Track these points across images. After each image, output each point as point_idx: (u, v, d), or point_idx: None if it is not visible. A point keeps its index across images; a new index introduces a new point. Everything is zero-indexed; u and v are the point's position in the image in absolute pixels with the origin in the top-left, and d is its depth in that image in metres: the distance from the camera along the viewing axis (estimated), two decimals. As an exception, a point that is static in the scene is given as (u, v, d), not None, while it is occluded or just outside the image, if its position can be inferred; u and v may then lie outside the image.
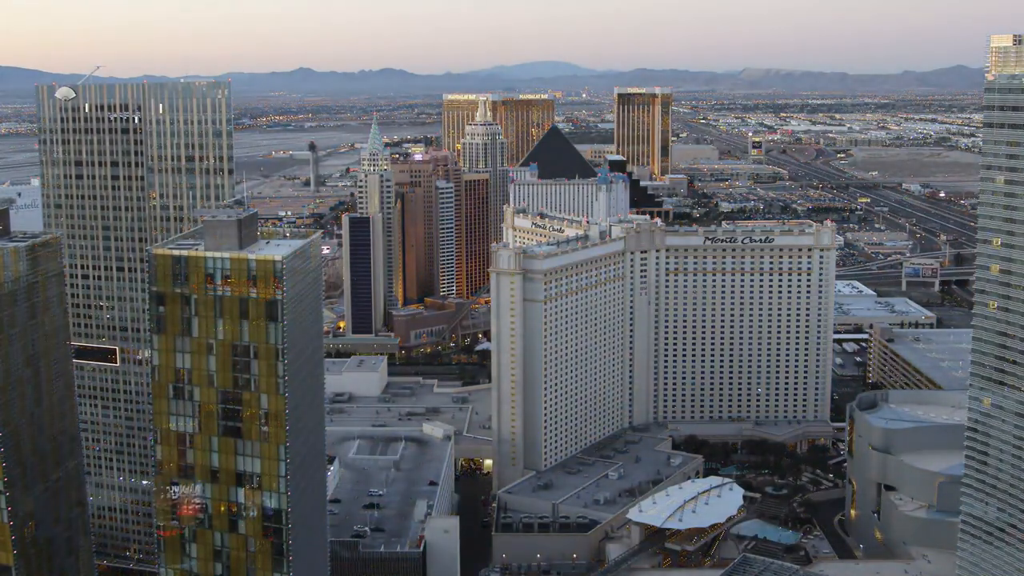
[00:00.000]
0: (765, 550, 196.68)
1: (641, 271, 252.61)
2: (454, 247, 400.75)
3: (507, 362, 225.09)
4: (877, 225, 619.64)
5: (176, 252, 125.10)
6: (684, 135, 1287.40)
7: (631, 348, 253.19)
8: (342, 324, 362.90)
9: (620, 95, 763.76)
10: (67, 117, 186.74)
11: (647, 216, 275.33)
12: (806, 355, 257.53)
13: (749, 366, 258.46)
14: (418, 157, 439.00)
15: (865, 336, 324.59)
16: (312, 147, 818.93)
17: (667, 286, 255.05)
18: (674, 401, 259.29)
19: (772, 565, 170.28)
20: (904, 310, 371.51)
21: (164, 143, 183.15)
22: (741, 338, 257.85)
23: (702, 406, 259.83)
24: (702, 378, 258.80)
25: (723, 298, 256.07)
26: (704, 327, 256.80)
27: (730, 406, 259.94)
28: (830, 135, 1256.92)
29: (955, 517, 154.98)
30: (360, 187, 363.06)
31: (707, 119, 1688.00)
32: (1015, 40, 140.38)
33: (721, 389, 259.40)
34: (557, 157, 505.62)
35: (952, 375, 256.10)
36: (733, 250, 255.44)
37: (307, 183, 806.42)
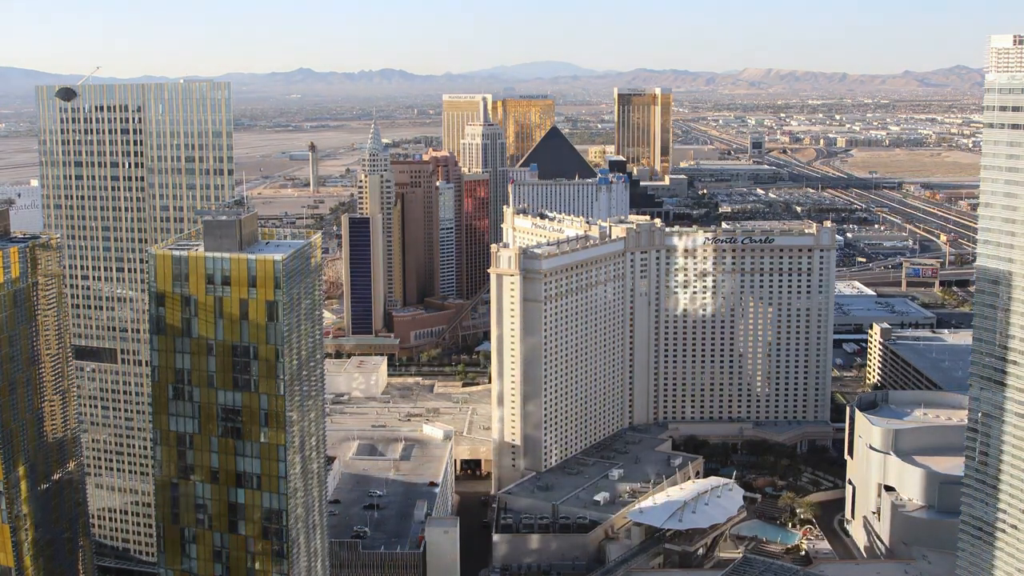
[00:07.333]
0: (765, 550, 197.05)
1: (641, 271, 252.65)
2: (454, 247, 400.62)
3: (507, 362, 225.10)
4: (877, 225, 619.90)
5: (176, 253, 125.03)
6: (684, 135, 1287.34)
7: (631, 348, 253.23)
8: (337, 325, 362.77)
9: (620, 95, 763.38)
10: (67, 118, 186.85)
11: (647, 216, 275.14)
12: (806, 355, 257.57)
13: (749, 366, 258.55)
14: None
15: (865, 336, 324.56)
16: (312, 148, 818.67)
17: (667, 286, 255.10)
18: (674, 401, 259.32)
19: (772, 565, 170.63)
20: (904, 310, 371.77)
21: (164, 143, 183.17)
22: (741, 338, 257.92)
23: (702, 406, 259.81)
24: (702, 378, 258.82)
25: (723, 298, 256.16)
26: (704, 327, 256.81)
27: (730, 406, 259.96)
28: (830, 135, 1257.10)
29: (955, 517, 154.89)
30: (360, 187, 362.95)
31: (707, 119, 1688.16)
32: (1015, 40, 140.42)
33: (721, 389, 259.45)
34: (557, 157, 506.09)
35: (952, 375, 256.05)
36: (733, 250, 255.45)
37: (307, 184, 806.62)
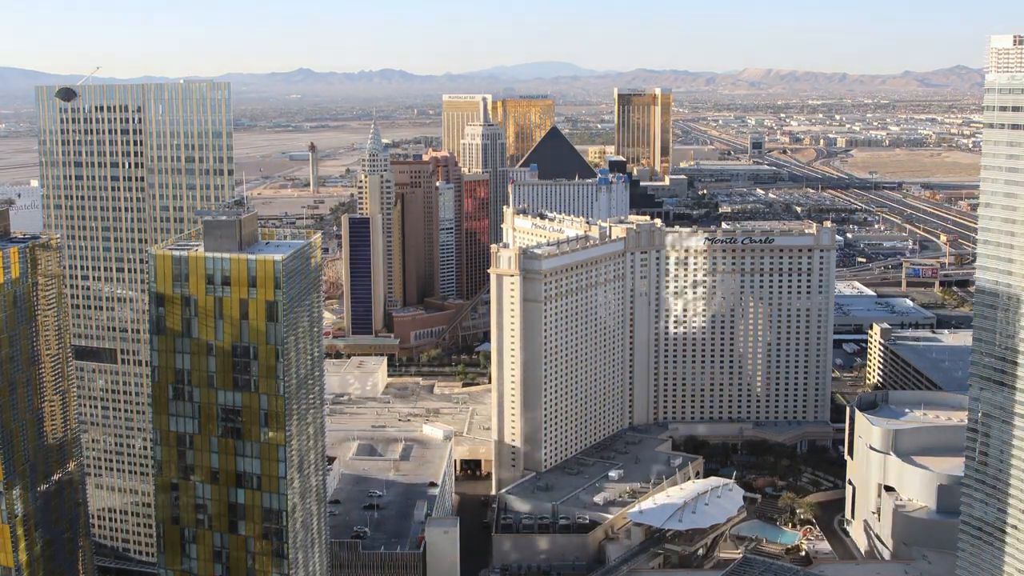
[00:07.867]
0: (765, 550, 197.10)
1: (641, 271, 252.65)
2: (454, 247, 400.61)
3: (507, 363, 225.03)
4: (877, 225, 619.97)
5: (176, 253, 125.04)
6: (684, 135, 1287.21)
7: (631, 348, 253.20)
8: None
9: (620, 95, 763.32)
10: (67, 118, 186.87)
11: (647, 216, 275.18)
12: (806, 355, 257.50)
13: (749, 366, 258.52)
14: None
15: (865, 336, 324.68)
16: (312, 148, 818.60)
17: (667, 286, 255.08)
18: (674, 401, 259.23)
19: (772, 565, 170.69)
20: (904, 310, 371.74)
21: (164, 144, 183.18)
22: (741, 338, 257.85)
23: (702, 406, 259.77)
24: (702, 378, 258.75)
25: (723, 298, 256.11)
26: (704, 327, 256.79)
27: (730, 407, 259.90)
28: (830, 135, 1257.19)
29: (955, 518, 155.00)
30: (360, 188, 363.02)
31: (707, 119, 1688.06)
32: (1015, 40, 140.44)
33: (721, 389, 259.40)
34: (557, 157, 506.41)
35: (952, 376, 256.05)
36: (733, 250, 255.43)
37: (307, 184, 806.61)
